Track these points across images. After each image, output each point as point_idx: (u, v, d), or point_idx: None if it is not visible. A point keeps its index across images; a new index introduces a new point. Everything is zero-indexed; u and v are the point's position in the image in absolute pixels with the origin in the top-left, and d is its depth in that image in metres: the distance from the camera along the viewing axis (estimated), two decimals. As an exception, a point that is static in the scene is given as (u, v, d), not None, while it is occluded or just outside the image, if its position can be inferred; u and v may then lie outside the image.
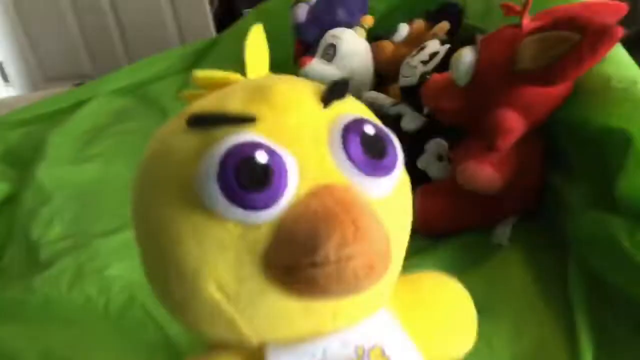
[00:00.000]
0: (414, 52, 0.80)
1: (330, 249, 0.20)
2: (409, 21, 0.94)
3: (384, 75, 0.92)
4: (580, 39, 0.50)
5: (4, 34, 2.32)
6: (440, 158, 0.70)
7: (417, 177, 0.71)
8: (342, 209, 0.21)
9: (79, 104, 1.16)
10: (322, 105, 0.24)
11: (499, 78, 0.59)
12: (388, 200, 0.24)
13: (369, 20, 0.93)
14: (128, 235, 0.72)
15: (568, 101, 0.59)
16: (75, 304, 0.62)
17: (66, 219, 0.77)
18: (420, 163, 0.71)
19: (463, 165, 0.60)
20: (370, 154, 0.23)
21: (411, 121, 0.75)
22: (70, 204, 0.80)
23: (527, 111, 0.59)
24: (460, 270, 0.60)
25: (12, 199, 0.86)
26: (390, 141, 0.24)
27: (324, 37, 0.89)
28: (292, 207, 0.22)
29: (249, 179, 0.21)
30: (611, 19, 0.58)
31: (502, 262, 0.60)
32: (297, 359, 0.24)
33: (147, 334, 0.58)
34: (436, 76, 0.68)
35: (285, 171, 0.22)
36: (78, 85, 1.36)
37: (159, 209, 0.23)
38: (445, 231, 0.66)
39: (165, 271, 0.24)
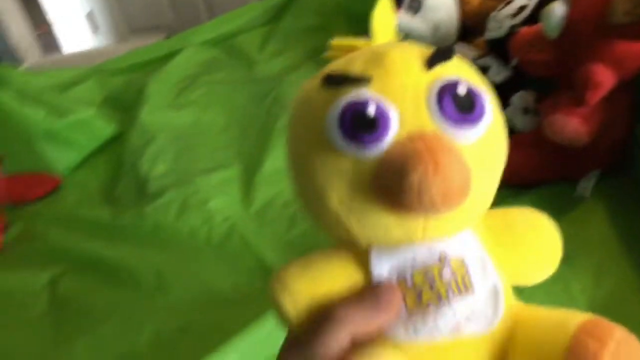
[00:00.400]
0: (501, 6, 0.80)
1: (413, 180, 0.27)
2: (497, -26, 0.94)
3: (469, 28, 0.93)
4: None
5: (92, -14, 2.43)
6: (525, 111, 0.71)
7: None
8: (427, 151, 0.27)
9: (171, 55, 1.22)
10: (426, 68, 0.30)
11: (590, 32, 0.59)
12: (475, 145, 0.30)
13: (456, -27, 0.93)
14: (225, 175, 0.79)
15: (661, 56, 0.59)
16: (182, 231, 0.69)
17: (169, 158, 0.84)
18: (506, 115, 0.72)
19: (551, 117, 0.62)
20: (459, 109, 0.28)
21: (497, 73, 0.76)
22: (172, 145, 0.88)
23: (617, 65, 0.59)
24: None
25: (117, 139, 0.95)
26: (479, 98, 0.29)
27: (410, -10, 0.90)
28: (393, 147, 0.28)
29: (361, 125, 0.28)
30: None
31: (584, 214, 0.62)
32: (392, 259, 0.31)
33: (245, 261, 0.65)
34: (525, 29, 0.69)
35: (389, 120, 0.28)
36: (168, 37, 1.43)
37: (301, 145, 0.30)
38: (529, 182, 0.68)
39: (306, 190, 0.31)
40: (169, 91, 1.06)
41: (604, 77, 0.59)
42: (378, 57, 0.30)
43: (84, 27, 2.46)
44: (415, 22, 0.87)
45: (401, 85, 0.29)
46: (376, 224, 0.30)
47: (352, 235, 0.31)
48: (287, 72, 1.10)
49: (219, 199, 0.73)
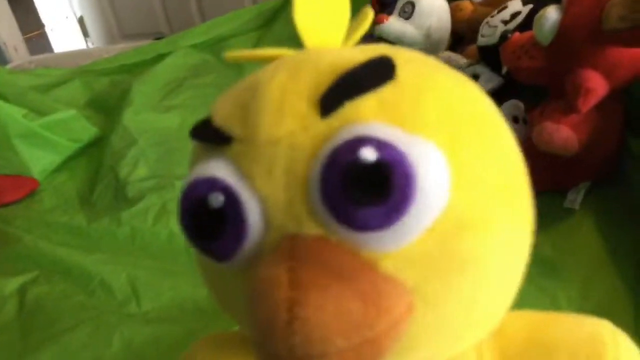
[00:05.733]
0: (494, 12, 0.79)
1: (261, 330, 0.16)
2: (490, -19, 0.92)
3: (460, 36, 0.91)
4: (674, -3, 0.48)
5: (85, -10, 2.42)
6: (515, 120, 0.69)
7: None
8: (289, 282, 0.15)
9: (160, 57, 1.21)
10: (318, 110, 0.17)
11: (583, 38, 0.58)
12: (414, 250, 0.16)
13: (448, -20, 0.91)
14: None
15: (655, 64, 0.57)
16: (160, 237, 0.67)
17: (150, 161, 0.82)
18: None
19: (540, 125, 0.60)
20: (357, 195, 0.15)
21: (488, 82, 0.74)
22: (154, 148, 0.85)
23: (610, 73, 0.57)
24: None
25: (99, 141, 0.93)
26: (404, 168, 0.16)
27: (402, -5, 0.89)
28: (262, 262, 0.17)
29: (202, 224, 0.18)
30: None
31: (573, 225, 0.60)
32: None
33: (223, 269, 0.62)
34: (517, 35, 0.67)
35: (243, 216, 0.17)
36: (158, 39, 1.41)
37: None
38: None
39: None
40: (155, 94, 1.04)
41: (596, 84, 0.57)
42: (252, 91, 0.19)
43: (76, 32, 2.45)
44: (408, 28, 0.85)
45: (270, 148, 0.17)
46: None
47: None
48: (277, 77, 1.08)
49: (199, 205, 0.71)
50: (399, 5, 0.88)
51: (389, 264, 0.16)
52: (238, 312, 0.20)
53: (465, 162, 0.17)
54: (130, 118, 0.94)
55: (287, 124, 0.17)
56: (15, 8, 1.74)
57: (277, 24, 1.31)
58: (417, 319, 0.17)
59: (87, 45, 2.52)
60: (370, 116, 0.16)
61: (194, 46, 1.27)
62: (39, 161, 0.85)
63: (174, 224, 0.67)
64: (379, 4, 1.00)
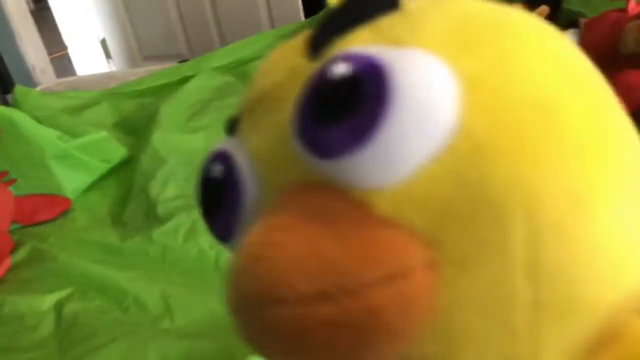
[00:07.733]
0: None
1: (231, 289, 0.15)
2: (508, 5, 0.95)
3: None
4: (690, 23, 0.50)
5: (107, 13, 2.48)
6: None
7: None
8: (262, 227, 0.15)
9: (184, 80, 1.24)
10: (309, 54, 0.16)
11: (601, 62, 0.59)
12: (420, 185, 0.13)
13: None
14: (234, 199, 0.79)
15: (673, 86, 0.59)
16: (190, 255, 0.69)
17: (180, 181, 0.85)
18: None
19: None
20: (323, 118, 0.13)
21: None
22: (182, 168, 0.88)
23: (628, 96, 0.58)
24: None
25: (128, 162, 0.96)
26: (374, 80, 0.13)
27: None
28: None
29: (208, 198, 0.18)
30: None
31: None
32: None
33: (252, 286, 0.64)
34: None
35: (238, 183, 0.16)
36: (182, 62, 1.45)
37: None
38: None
39: None
40: (181, 115, 1.07)
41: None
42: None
43: (98, 53, 2.51)
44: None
45: (259, 105, 0.17)
46: None
47: None
48: (298, 98, 1.11)
49: (229, 223, 0.73)
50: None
51: (386, 205, 0.13)
52: None
53: (486, 80, 0.14)
54: (159, 139, 0.97)
55: (277, 76, 0.16)
56: (39, 29, 1.79)
57: (297, 47, 1.34)
58: (451, 287, 0.13)
59: (109, 67, 2.58)
60: (358, 43, 0.15)
61: (217, 69, 1.30)
62: (71, 181, 0.88)
63: (203, 242, 0.70)
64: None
